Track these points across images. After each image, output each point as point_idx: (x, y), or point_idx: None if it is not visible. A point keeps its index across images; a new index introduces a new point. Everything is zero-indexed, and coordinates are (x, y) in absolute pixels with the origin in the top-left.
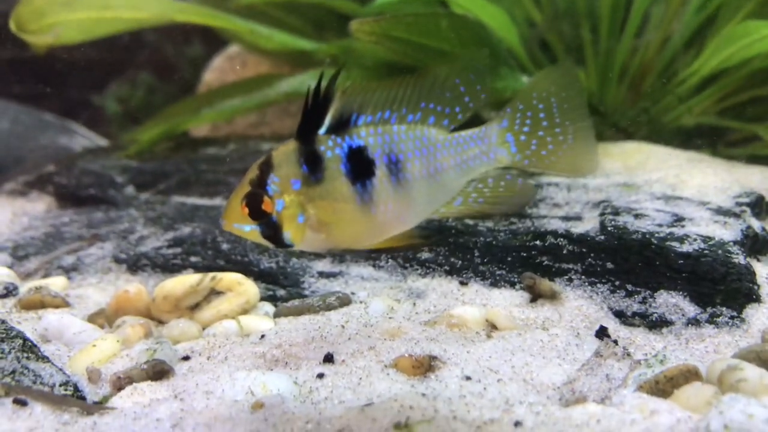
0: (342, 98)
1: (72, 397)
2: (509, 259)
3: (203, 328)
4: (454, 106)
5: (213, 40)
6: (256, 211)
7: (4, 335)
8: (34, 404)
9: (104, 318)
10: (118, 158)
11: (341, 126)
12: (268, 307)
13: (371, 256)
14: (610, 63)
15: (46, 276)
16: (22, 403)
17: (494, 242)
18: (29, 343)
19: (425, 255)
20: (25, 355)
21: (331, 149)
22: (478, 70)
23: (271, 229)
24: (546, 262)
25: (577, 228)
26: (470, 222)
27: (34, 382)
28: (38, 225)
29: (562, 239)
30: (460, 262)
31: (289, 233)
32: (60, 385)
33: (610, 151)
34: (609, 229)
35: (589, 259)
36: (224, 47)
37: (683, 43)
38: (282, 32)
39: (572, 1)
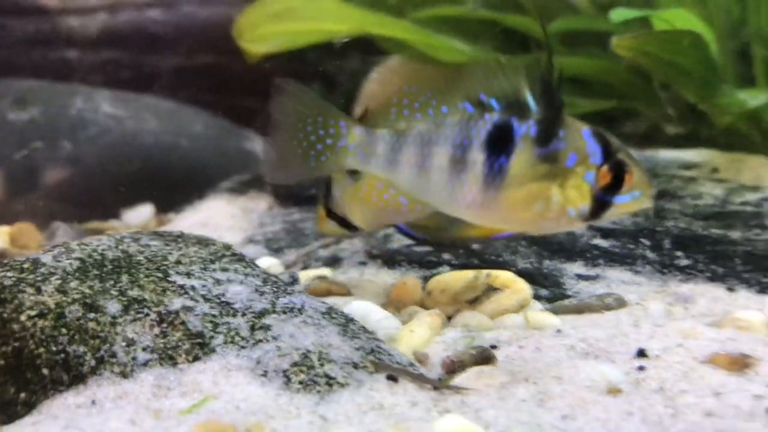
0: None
1: (425, 376)
2: None
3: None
4: None
5: (366, 53)
6: None
7: (344, 319)
8: (403, 381)
9: (393, 307)
10: None
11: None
12: (539, 305)
13: (625, 261)
14: None
15: (305, 268)
16: (394, 380)
17: (752, 251)
18: (364, 326)
19: (684, 262)
20: (371, 336)
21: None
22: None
23: None
24: None
25: None
26: (719, 231)
27: (391, 361)
28: (269, 221)
29: None
30: (721, 269)
31: None
32: (409, 365)
33: None
34: None
35: None
36: (378, 60)
37: None
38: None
39: (743, 21)
